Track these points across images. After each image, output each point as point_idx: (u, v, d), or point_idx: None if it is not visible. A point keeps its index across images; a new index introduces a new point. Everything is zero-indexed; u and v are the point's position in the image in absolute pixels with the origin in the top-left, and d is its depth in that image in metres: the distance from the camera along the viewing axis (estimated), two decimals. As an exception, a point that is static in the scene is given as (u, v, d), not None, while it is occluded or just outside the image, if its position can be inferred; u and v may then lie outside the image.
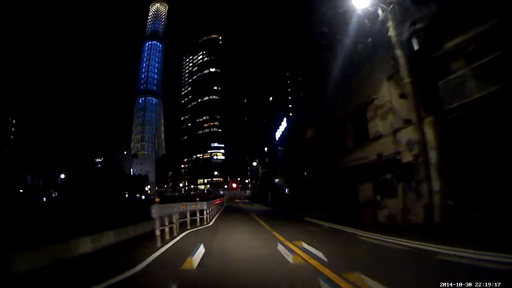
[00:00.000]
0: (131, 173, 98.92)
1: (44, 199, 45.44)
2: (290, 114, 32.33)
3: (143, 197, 79.17)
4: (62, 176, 47.63)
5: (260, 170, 41.14)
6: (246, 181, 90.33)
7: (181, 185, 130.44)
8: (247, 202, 46.36)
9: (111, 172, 61.92)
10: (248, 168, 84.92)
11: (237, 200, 55.34)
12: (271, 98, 63.81)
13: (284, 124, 33.92)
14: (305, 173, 25.78)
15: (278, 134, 40.08)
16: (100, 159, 78.09)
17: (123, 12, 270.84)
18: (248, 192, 78.78)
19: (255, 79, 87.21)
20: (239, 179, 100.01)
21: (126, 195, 72.56)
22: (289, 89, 65.70)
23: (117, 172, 66.87)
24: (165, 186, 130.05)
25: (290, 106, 55.92)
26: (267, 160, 58.48)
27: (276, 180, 45.18)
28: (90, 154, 65.45)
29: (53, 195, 55.13)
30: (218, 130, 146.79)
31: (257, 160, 43.72)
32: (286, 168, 33.38)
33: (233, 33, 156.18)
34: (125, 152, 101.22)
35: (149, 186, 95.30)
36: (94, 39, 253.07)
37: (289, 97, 58.26)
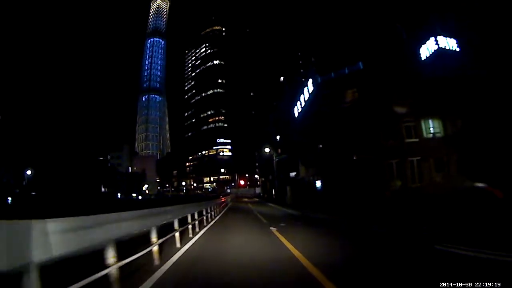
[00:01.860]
0: (129, 172, 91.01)
1: (9, 199, 36.89)
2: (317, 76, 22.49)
3: (140, 197, 70.89)
4: (29, 172, 39.07)
5: (274, 157, 31.29)
6: (256, 176, 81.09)
7: (183, 183, 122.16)
8: (258, 202, 36.95)
9: (96, 170, 53.38)
10: (257, 164, 75.58)
11: (245, 199, 46.76)
12: (282, 78, 53.84)
13: (308, 91, 23.89)
14: (354, 156, 15.94)
15: (297, 111, 30.26)
16: (93, 157, 70.04)
17: (124, 9, 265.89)
18: (257, 190, 69.50)
19: (262, 63, 77.95)
20: (247, 175, 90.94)
21: (119, 195, 64.00)
22: (301, 70, 55.98)
23: (105, 170, 58.40)
24: (167, 185, 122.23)
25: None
26: (279, 150, 48.60)
27: (292, 173, 35.38)
28: (75, 151, 57.32)
29: (32, 193, 47.08)
30: (224, 124, 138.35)
31: (268, 146, 33.87)
32: (314, 152, 23.36)
33: (236, 22, 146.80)
34: (122, 150, 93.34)
35: (146, 186, 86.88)
36: (95, 37, 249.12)
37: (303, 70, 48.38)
